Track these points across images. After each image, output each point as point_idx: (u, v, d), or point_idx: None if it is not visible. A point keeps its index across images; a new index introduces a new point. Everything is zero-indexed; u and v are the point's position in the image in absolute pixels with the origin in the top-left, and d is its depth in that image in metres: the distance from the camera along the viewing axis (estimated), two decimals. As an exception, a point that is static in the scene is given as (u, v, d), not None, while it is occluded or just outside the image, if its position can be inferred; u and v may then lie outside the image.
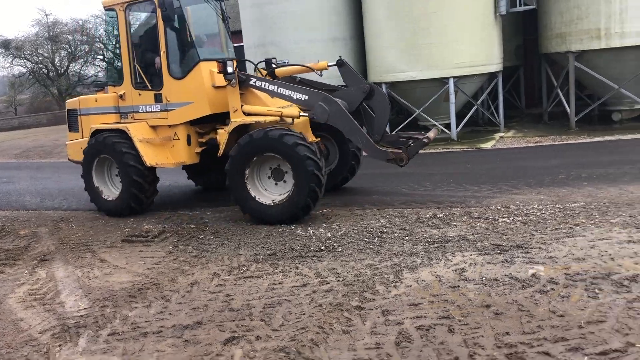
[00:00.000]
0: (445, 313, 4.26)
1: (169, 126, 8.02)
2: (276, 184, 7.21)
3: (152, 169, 8.05)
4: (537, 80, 16.93)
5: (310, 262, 5.62)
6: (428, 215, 6.89)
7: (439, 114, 14.56)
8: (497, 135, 14.35)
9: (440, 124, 14.20)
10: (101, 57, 34.68)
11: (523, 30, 17.28)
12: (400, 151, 6.92)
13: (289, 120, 7.26)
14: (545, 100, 16.21)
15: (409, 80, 14.16)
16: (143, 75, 8.06)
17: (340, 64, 7.82)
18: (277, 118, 7.27)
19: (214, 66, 7.60)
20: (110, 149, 7.97)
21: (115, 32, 8.35)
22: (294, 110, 7.34)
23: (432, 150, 12.68)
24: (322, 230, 6.69)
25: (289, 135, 6.84)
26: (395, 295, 4.68)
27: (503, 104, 15.41)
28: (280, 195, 7.10)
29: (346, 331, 4.13)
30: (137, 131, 7.97)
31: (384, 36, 14.41)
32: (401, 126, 14.77)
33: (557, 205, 6.82)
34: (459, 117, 14.39)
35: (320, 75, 8.34)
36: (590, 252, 5.21)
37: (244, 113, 7.42)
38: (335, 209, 7.66)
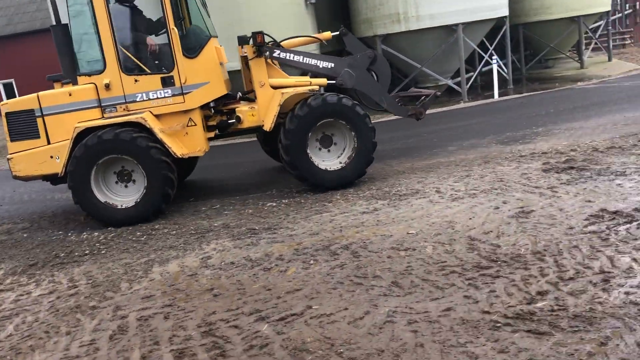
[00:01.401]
0: (170, 301, 4.58)
1: (185, 112, 7.25)
2: (329, 150, 7.47)
3: (177, 163, 7.23)
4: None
5: (69, 268, 5.70)
6: (204, 208, 7.22)
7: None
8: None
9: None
10: None
11: (342, 16, 18.21)
12: (418, 107, 7.98)
13: (317, 88, 7.44)
14: (365, 81, 17.28)
15: (231, 71, 14.44)
16: (135, 58, 7.14)
17: (345, 33, 7.85)
18: (316, 87, 7.43)
19: (217, 42, 7.51)
20: (130, 146, 6.81)
21: (88, 10, 7.01)
22: (322, 79, 7.60)
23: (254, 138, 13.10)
24: (97, 233, 6.77)
25: (359, 105, 7.29)
26: (134, 290, 4.92)
27: (326, 88, 16.24)
28: (337, 161, 7.39)
29: (69, 332, 4.30)
30: (153, 122, 7.04)
31: (202, 28, 14.51)
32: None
33: (323, 185, 7.46)
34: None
35: (326, 44, 8.57)
36: (327, 226, 5.82)
37: (271, 86, 7.41)
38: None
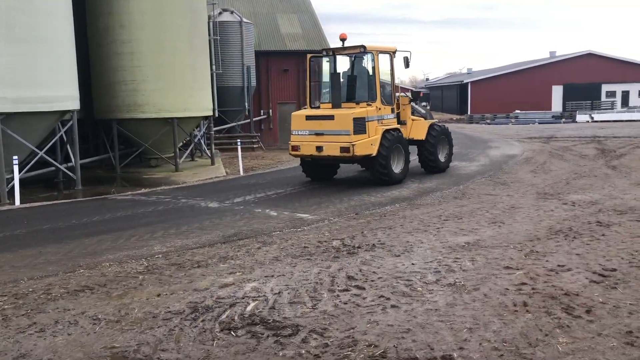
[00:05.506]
0: None
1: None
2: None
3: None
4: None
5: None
6: None
7: None
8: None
9: None
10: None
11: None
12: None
13: (437, 121, 16.48)
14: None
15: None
16: (382, 97, 13.44)
17: (427, 93, 19.88)
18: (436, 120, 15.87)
19: None
20: (400, 140, 13.52)
21: (371, 68, 13.42)
22: (423, 118, 15.11)
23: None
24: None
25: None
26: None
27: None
28: (439, 158, 15.24)
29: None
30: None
31: None
32: None
33: None
34: None
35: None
36: None
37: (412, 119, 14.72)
38: None
